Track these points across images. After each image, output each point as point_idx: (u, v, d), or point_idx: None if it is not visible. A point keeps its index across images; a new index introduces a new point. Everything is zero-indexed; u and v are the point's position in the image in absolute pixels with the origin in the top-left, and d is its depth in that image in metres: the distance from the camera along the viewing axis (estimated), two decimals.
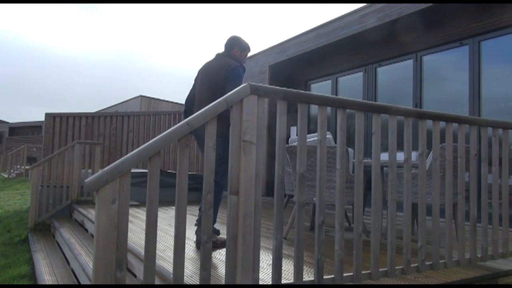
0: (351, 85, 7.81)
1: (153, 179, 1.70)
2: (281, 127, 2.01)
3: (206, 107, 1.82)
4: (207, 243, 1.79)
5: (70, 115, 9.62)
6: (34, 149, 19.24)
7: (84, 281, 3.24)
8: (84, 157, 6.68)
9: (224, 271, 1.84)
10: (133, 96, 17.57)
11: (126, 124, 10.49)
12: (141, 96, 17.09)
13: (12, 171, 17.82)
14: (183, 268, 1.75)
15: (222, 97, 1.86)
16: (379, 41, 6.73)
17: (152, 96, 17.52)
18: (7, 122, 37.74)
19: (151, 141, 1.69)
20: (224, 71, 3.20)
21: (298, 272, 2.01)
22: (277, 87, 2.00)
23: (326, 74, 8.27)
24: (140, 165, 11.61)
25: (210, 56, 3.85)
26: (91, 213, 5.39)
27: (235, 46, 3.42)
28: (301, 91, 2.09)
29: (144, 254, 1.67)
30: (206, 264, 1.78)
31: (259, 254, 1.89)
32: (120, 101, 18.96)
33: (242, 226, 1.83)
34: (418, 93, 6.29)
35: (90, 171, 6.73)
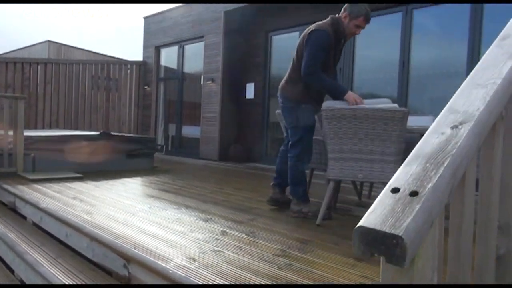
0: None
1: None
2: None
3: None
4: None
5: None
6: None
7: None
8: (3, 115, 5.02)
9: None
10: (39, 41, 14.75)
11: (43, 73, 8.53)
12: (49, 42, 14.40)
13: None
14: None
15: None
16: None
17: (63, 43, 14.89)
18: None
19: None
20: (302, 38, 3.16)
21: None
22: None
23: (292, 25, 7.32)
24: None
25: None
26: (25, 191, 3.99)
27: (346, 10, 3.10)
28: None
29: None
30: None
31: None
32: (21, 46, 15.88)
33: None
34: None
35: (10, 133, 5.11)
